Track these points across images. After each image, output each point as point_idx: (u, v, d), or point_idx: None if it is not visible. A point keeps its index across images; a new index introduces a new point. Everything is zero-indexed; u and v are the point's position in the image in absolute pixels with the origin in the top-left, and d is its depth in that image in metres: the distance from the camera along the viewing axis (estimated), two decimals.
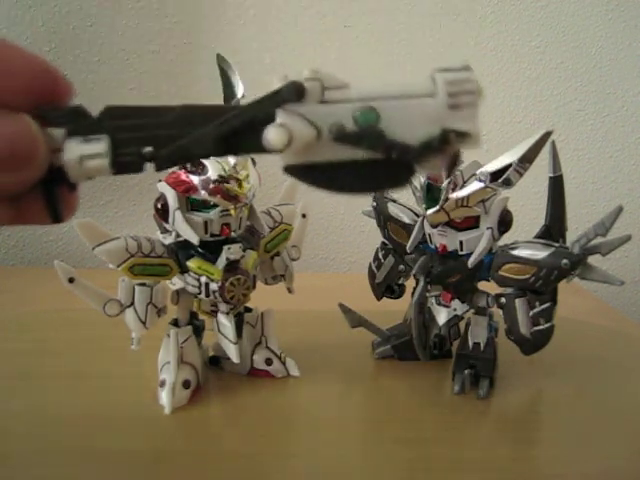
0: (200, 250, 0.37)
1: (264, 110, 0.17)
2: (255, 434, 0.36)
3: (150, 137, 0.18)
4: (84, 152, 0.17)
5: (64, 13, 0.69)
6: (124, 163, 0.18)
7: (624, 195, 0.82)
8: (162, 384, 0.38)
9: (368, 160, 0.18)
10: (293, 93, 0.17)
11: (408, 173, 0.18)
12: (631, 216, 0.80)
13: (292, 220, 0.42)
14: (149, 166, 0.18)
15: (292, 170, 0.18)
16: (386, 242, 0.44)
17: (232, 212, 0.36)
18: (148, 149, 0.18)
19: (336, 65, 0.74)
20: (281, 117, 0.17)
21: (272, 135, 0.17)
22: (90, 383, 0.41)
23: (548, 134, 0.34)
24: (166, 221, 0.36)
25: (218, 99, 0.38)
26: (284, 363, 0.43)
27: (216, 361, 0.44)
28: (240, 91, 0.37)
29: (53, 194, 0.18)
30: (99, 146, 0.17)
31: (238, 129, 0.18)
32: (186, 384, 0.38)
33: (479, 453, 0.35)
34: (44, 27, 0.69)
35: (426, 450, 0.35)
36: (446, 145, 0.17)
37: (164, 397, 0.38)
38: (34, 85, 0.17)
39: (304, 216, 0.44)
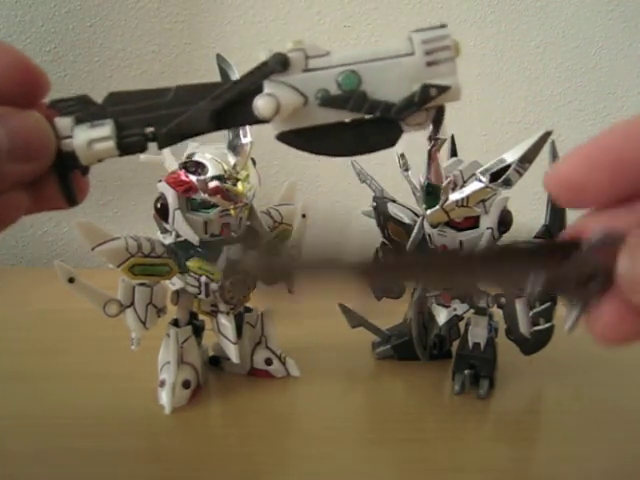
0: (200, 250, 0.37)
1: (252, 82, 0.19)
2: (255, 434, 0.36)
3: (151, 118, 0.19)
4: (92, 136, 0.19)
5: (64, 13, 0.69)
6: (129, 144, 0.19)
7: None
8: (162, 384, 0.38)
9: (355, 121, 0.19)
10: (278, 64, 0.18)
11: (396, 131, 0.19)
12: None
13: (292, 220, 0.42)
14: (152, 146, 0.19)
15: (285, 137, 0.19)
16: (386, 242, 0.44)
17: (232, 212, 0.36)
18: (150, 129, 0.19)
19: None
20: (268, 87, 0.18)
21: (261, 104, 0.18)
22: (90, 383, 0.41)
23: (548, 134, 0.34)
24: (166, 221, 0.36)
25: None
26: (284, 363, 0.42)
27: (216, 361, 0.44)
28: None
29: (67, 179, 0.19)
30: (105, 130, 0.19)
31: (230, 102, 0.19)
32: (186, 384, 0.38)
33: (479, 453, 0.35)
34: (44, 27, 0.69)
35: (426, 450, 0.35)
36: (427, 100, 0.18)
37: (164, 397, 0.38)
38: (14, 78, 0.18)
39: (304, 216, 0.44)
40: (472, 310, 0.42)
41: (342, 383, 0.43)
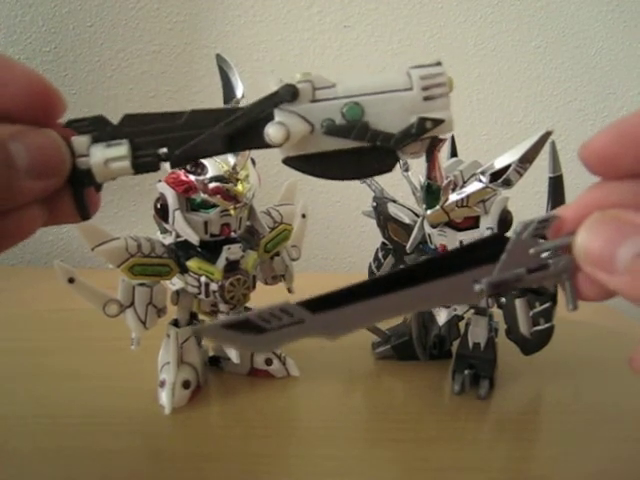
0: (200, 250, 0.37)
1: (263, 110, 0.20)
2: (255, 434, 0.36)
3: (164, 139, 0.20)
4: (108, 156, 0.20)
5: (64, 13, 0.69)
6: (143, 163, 0.20)
7: None
8: (162, 384, 0.38)
9: (356, 149, 0.20)
10: (288, 94, 0.20)
11: (392, 159, 0.21)
12: None
13: (292, 220, 0.42)
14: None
15: (291, 161, 0.20)
16: (386, 242, 0.44)
17: (232, 212, 0.36)
18: (163, 150, 0.20)
19: (336, 65, 0.74)
20: (279, 116, 0.20)
21: (272, 132, 0.19)
22: (90, 383, 0.41)
23: (548, 134, 0.34)
24: (166, 221, 0.36)
25: (218, 99, 0.38)
26: (284, 363, 0.42)
27: (216, 361, 0.44)
28: (240, 91, 0.37)
29: (81, 195, 0.20)
30: (121, 150, 0.20)
31: (242, 128, 0.20)
32: (186, 384, 0.38)
33: (479, 453, 0.35)
34: (44, 27, 0.69)
35: (426, 450, 0.35)
36: (423, 132, 0.20)
37: (164, 397, 0.38)
38: (32, 98, 0.19)
39: (304, 216, 0.44)
40: (472, 310, 0.42)
41: (342, 383, 0.43)
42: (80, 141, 0.20)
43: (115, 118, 0.20)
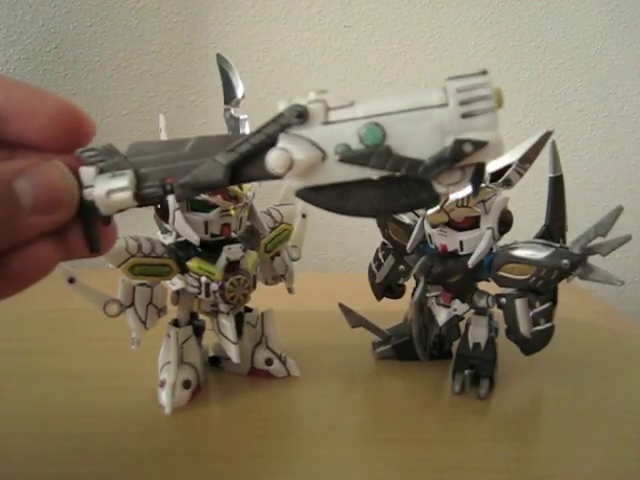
0: (200, 250, 0.37)
1: (268, 135, 0.18)
2: (255, 434, 0.36)
3: (170, 169, 0.19)
4: (111, 187, 0.19)
5: (64, 13, 0.69)
6: (146, 195, 0.19)
7: (624, 195, 0.82)
8: (162, 384, 0.38)
9: (383, 179, 0.17)
10: (295, 116, 0.17)
11: (427, 192, 0.17)
12: (631, 216, 0.79)
13: (292, 220, 0.42)
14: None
15: (303, 194, 0.18)
16: (386, 242, 0.44)
17: (232, 212, 0.36)
18: (168, 181, 0.19)
19: (336, 65, 0.74)
20: (282, 141, 0.17)
21: (272, 160, 0.17)
22: (90, 383, 0.41)
23: (548, 134, 0.34)
24: (166, 221, 0.36)
25: (218, 99, 0.38)
26: (284, 363, 0.42)
27: (216, 361, 0.44)
28: (240, 91, 0.37)
29: (90, 228, 0.20)
30: (124, 180, 0.19)
31: (245, 156, 0.18)
32: (186, 384, 0.38)
33: (479, 453, 0.35)
34: (44, 27, 0.69)
35: (426, 450, 0.35)
36: (461, 157, 0.16)
37: (164, 397, 0.38)
38: (61, 126, 0.19)
39: (304, 216, 0.44)
40: (472, 310, 0.42)
41: (342, 383, 0.43)
42: (87, 172, 0.19)
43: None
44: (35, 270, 0.19)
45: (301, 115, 0.17)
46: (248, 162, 0.18)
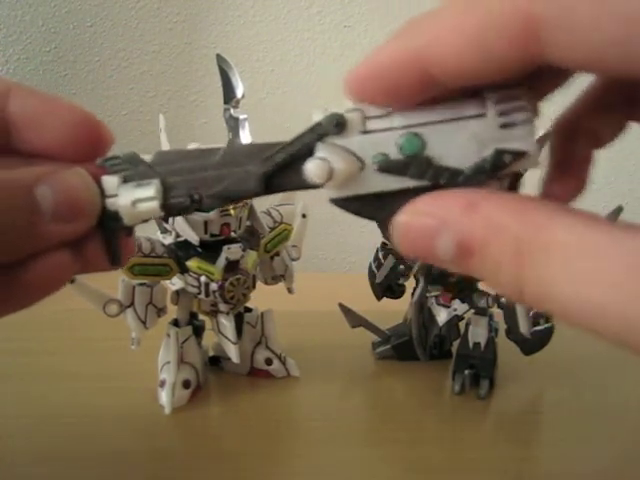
0: (200, 250, 0.37)
1: (305, 144, 0.17)
2: (255, 434, 0.36)
3: (198, 179, 0.18)
4: (136, 196, 0.18)
5: (64, 13, 0.69)
6: (173, 205, 0.18)
7: (624, 195, 0.82)
8: (162, 384, 0.38)
9: (419, 188, 0.17)
10: (333, 125, 0.17)
11: None
12: (631, 216, 0.79)
13: (292, 220, 0.42)
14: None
15: (339, 203, 0.18)
16: (386, 242, 0.44)
17: (232, 212, 0.36)
18: (196, 192, 0.18)
19: (336, 65, 0.74)
20: (321, 151, 0.17)
21: (311, 170, 0.17)
22: (89, 383, 0.41)
23: (548, 134, 0.34)
24: (166, 221, 0.36)
25: (218, 99, 0.38)
26: (284, 363, 0.42)
27: (216, 361, 0.44)
28: (240, 91, 0.37)
29: (112, 239, 0.19)
30: (150, 190, 0.18)
31: (281, 165, 0.18)
32: (186, 384, 0.38)
33: (479, 453, 0.35)
34: (44, 27, 0.69)
35: (426, 450, 0.35)
36: (500, 167, 0.16)
37: (164, 397, 0.38)
38: (78, 135, 0.19)
39: (304, 216, 0.44)
40: (472, 310, 0.42)
41: (342, 383, 0.43)
42: (110, 181, 0.18)
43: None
44: (51, 280, 0.19)
45: (339, 124, 0.17)
46: (283, 172, 0.18)
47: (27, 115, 0.19)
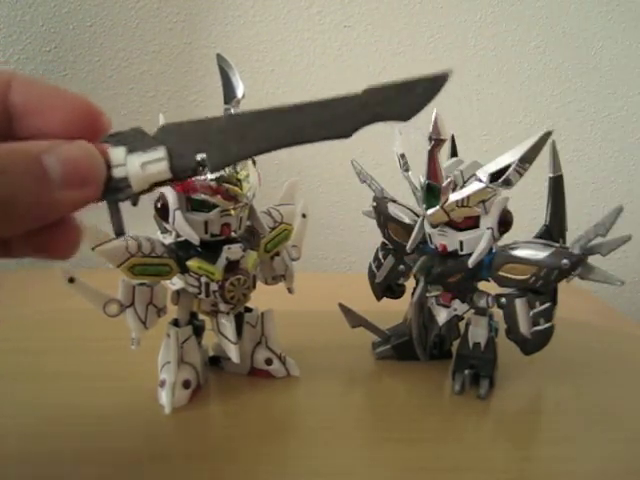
0: (200, 250, 0.37)
1: None
2: (255, 434, 0.36)
3: (203, 143, 0.20)
4: (145, 159, 0.19)
5: (64, 13, 0.69)
6: (181, 167, 0.20)
7: (624, 195, 0.82)
8: (162, 384, 0.38)
9: None
10: None
11: None
12: (631, 216, 0.79)
13: (292, 220, 0.42)
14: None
15: None
16: (386, 242, 0.44)
17: (232, 212, 0.36)
18: (201, 154, 0.20)
19: (336, 65, 0.74)
20: None
21: None
22: (89, 383, 0.41)
23: (548, 134, 0.34)
24: (166, 221, 0.36)
25: (218, 99, 0.38)
26: (284, 363, 0.43)
27: (216, 361, 0.44)
28: (240, 91, 0.37)
29: (116, 208, 0.20)
30: (158, 153, 0.19)
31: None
32: (186, 384, 0.38)
33: (479, 453, 0.35)
34: (44, 27, 0.69)
35: (426, 450, 0.35)
36: None
37: (164, 397, 0.38)
38: (78, 119, 0.20)
39: (304, 216, 0.44)
40: (472, 310, 0.42)
41: (342, 383, 0.43)
42: (116, 151, 0.20)
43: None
44: (66, 244, 0.21)
45: None
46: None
47: (32, 102, 0.20)
